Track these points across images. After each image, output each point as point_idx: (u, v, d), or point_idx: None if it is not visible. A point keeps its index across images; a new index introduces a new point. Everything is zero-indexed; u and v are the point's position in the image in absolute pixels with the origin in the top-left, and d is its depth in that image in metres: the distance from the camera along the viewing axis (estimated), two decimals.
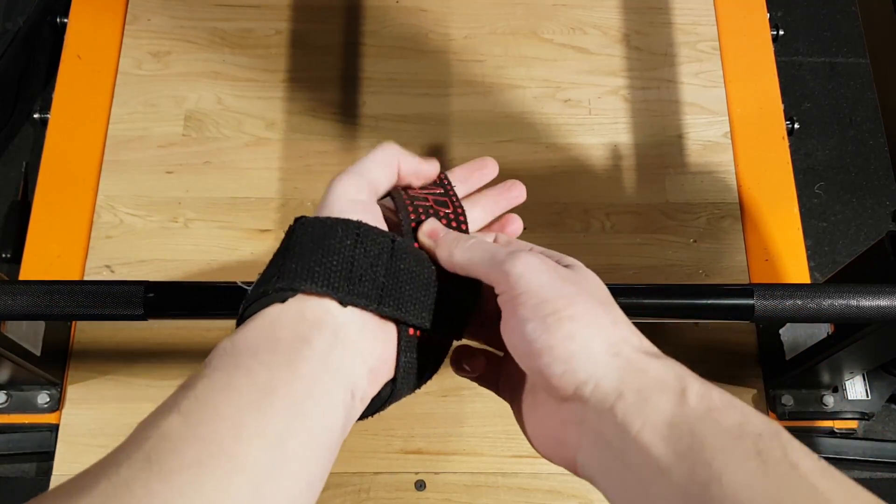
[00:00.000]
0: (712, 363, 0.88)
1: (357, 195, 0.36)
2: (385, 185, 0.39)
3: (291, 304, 0.32)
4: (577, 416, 0.30)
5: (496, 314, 0.34)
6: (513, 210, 0.43)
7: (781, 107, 1.01)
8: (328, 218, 0.35)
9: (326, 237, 0.34)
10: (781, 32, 1.06)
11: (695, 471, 0.26)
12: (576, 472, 0.32)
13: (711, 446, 0.26)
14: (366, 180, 0.37)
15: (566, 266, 0.36)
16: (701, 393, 0.28)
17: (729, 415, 0.27)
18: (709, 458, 0.26)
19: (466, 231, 0.40)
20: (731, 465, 0.25)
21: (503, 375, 0.39)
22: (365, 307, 0.33)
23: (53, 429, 0.82)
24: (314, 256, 0.33)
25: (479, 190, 0.44)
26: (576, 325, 0.31)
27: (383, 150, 0.39)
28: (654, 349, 0.32)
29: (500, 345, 0.36)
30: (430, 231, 0.38)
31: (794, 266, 0.92)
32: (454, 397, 0.84)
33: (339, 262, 0.33)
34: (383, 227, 0.36)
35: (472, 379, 0.40)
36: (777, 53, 1.04)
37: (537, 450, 0.35)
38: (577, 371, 0.30)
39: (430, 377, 0.37)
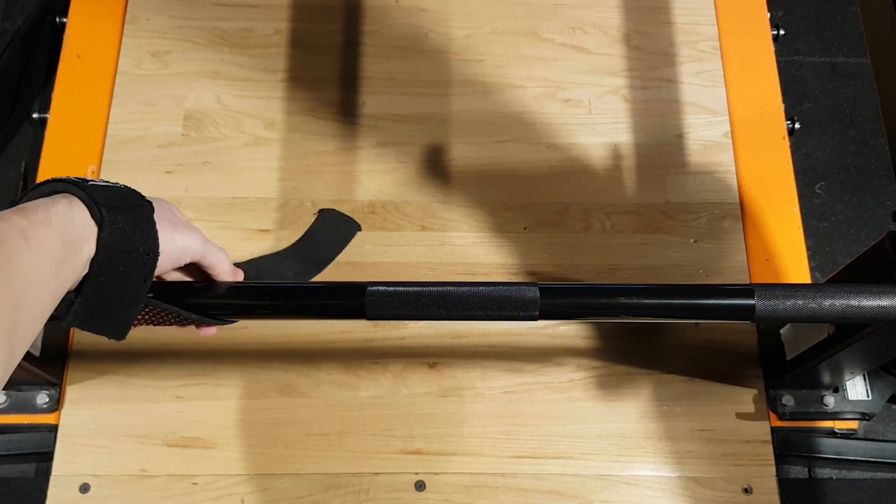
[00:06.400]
0: (712, 363, 0.88)
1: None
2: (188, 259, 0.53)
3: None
4: None
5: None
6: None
7: (782, 106, 1.01)
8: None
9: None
10: (782, 32, 1.06)
11: None
12: None
13: None
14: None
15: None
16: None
17: None
18: None
19: None
20: None
21: None
22: None
23: (53, 429, 0.82)
24: None
25: None
26: None
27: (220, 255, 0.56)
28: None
29: None
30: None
31: (795, 266, 0.92)
32: (454, 398, 0.84)
33: None
34: None
35: None
36: (778, 53, 1.04)
37: None
38: None
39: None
